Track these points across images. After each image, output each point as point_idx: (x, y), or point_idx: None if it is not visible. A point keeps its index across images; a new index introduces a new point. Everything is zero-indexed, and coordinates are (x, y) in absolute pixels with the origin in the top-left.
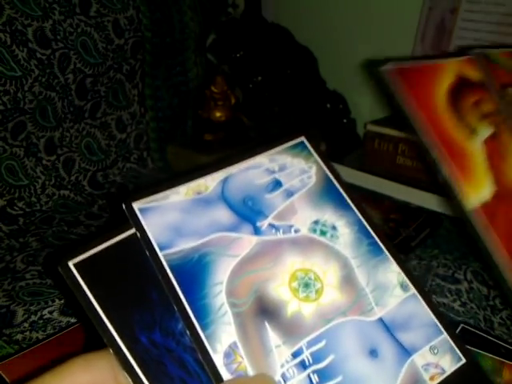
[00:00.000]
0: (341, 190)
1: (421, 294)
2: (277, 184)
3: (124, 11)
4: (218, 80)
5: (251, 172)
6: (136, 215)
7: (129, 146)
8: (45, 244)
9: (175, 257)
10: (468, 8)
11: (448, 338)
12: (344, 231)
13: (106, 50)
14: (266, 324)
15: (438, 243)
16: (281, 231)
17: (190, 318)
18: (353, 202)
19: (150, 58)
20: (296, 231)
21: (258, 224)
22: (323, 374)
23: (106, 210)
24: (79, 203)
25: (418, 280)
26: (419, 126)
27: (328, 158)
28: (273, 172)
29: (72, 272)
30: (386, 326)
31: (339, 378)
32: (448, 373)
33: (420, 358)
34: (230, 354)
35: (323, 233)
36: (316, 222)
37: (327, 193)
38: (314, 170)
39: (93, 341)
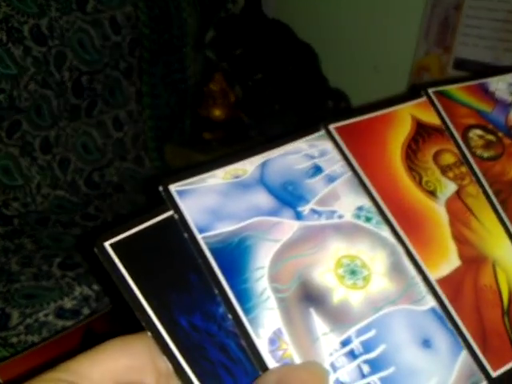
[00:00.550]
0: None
1: None
2: (317, 169)
3: (121, 7)
4: (217, 77)
5: (290, 157)
6: (173, 197)
7: (126, 145)
8: (40, 245)
9: (214, 240)
10: (472, 5)
11: None
12: None
13: (103, 47)
14: (312, 311)
15: None
16: (323, 217)
17: (231, 301)
18: (370, 197)
19: (147, 55)
20: (339, 217)
21: (300, 209)
22: (374, 364)
23: (102, 210)
24: (75, 204)
25: None
26: (371, 195)
27: None
28: (312, 157)
29: (108, 253)
30: (439, 316)
31: (391, 369)
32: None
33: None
34: (274, 341)
35: (368, 219)
36: (360, 208)
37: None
38: None
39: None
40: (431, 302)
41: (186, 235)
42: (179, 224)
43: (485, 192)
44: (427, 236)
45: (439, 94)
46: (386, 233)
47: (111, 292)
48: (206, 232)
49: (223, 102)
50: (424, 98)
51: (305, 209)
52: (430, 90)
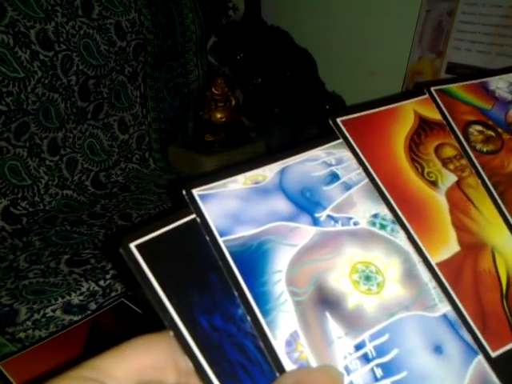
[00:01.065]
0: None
1: None
2: (334, 177)
3: (126, 14)
4: (218, 82)
5: (308, 164)
6: (196, 201)
7: (131, 147)
8: (48, 243)
9: (235, 243)
10: (465, 10)
11: None
12: None
13: (109, 52)
14: (327, 314)
15: None
16: (340, 223)
17: (250, 303)
18: (376, 187)
19: (151, 60)
20: (355, 224)
21: (317, 215)
22: (387, 369)
23: (108, 209)
24: (82, 203)
25: None
26: (375, 183)
27: None
28: (330, 165)
29: (133, 253)
30: (451, 323)
31: (404, 373)
32: None
33: None
34: (291, 343)
35: (383, 226)
36: (375, 216)
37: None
38: None
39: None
40: (443, 309)
41: (207, 238)
42: (201, 227)
43: (484, 183)
44: (428, 222)
45: (441, 91)
46: (400, 240)
47: (135, 290)
48: (226, 236)
49: (224, 105)
50: (426, 96)
51: (322, 215)
52: (433, 88)
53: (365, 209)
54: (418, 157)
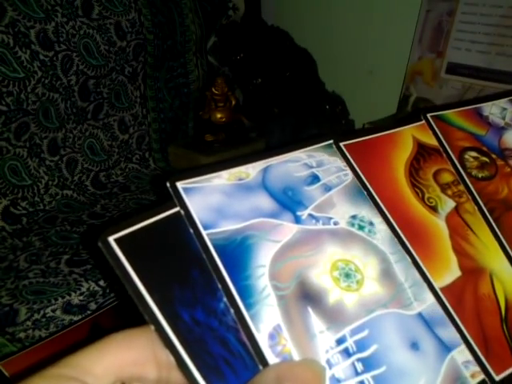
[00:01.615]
0: (368, 198)
1: None
2: (315, 178)
3: (126, 14)
4: (218, 82)
5: (290, 165)
6: (180, 193)
7: (131, 147)
8: (48, 243)
9: (219, 237)
10: (465, 10)
11: None
12: (381, 228)
13: (109, 52)
14: (309, 309)
15: None
16: (320, 222)
17: (234, 296)
18: (379, 210)
19: (151, 60)
20: (335, 223)
21: (299, 213)
22: (367, 363)
23: (108, 209)
24: (82, 203)
25: None
26: (378, 208)
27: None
28: (311, 167)
29: (112, 247)
30: (425, 321)
31: (383, 368)
32: None
33: (459, 355)
34: (274, 336)
35: (361, 227)
36: (354, 217)
37: (363, 191)
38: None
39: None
40: (418, 308)
41: (191, 231)
42: (185, 219)
43: (480, 210)
44: (431, 247)
45: (437, 118)
46: (377, 241)
47: (116, 286)
48: (210, 229)
49: (224, 105)
50: (423, 121)
51: (303, 213)
52: (429, 115)
53: (344, 210)
54: (418, 182)
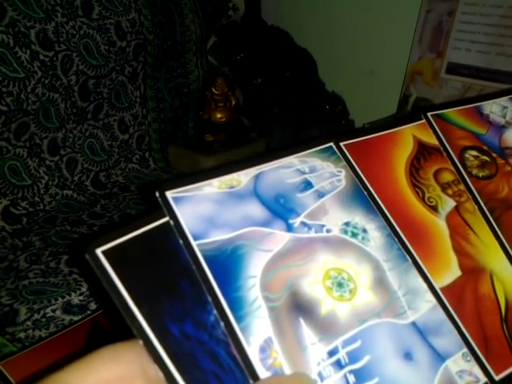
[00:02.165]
0: (368, 197)
1: None
2: (308, 184)
3: (126, 14)
4: (218, 82)
5: (282, 171)
6: (169, 203)
7: (131, 147)
8: (48, 243)
9: (209, 247)
10: (465, 10)
11: None
12: (374, 235)
13: (109, 52)
14: (301, 320)
15: None
16: (313, 230)
17: (224, 309)
18: (379, 210)
19: (151, 60)
20: (328, 231)
21: (291, 221)
22: (360, 375)
23: (108, 209)
24: (82, 203)
25: None
26: (378, 208)
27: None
28: (304, 173)
29: (100, 260)
30: (419, 330)
31: (375, 380)
32: (482, 382)
33: (453, 364)
34: (265, 349)
35: (354, 235)
36: (347, 224)
37: (357, 197)
38: (343, 174)
39: (94, 339)
40: (412, 317)
41: (181, 242)
42: (175, 230)
43: (480, 209)
44: (431, 247)
45: (437, 117)
46: (370, 249)
47: (102, 297)
48: (200, 239)
49: (224, 105)
50: (423, 120)
51: (295, 221)
52: (429, 114)
53: (337, 216)
54: (419, 182)
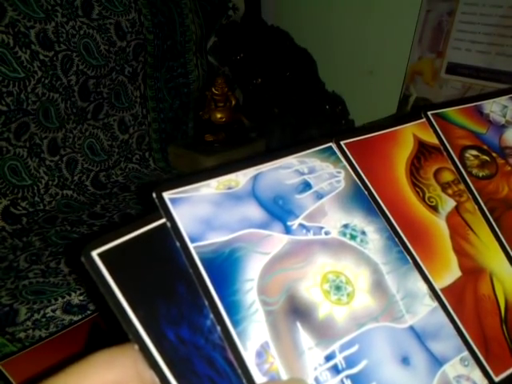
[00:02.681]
0: (369, 198)
1: None
2: (306, 185)
3: (126, 14)
4: (218, 82)
5: (281, 172)
6: (166, 205)
7: (131, 147)
8: (48, 243)
9: (206, 250)
10: (465, 10)
11: None
12: (373, 237)
13: (109, 52)
14: (298, 324)
15: None
16: (311, 232)
17: (220, 313)
18: (379, 209)
19: (151, 60)
20: (326, 233)
21: (289, 223)
22: (357, 380)
23: (108, 209)
24: (82, 203)
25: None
26: (378, 208)
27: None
28: (302, 174)
29: (95, 262)
30: (417, 335)
31: None
32: None
33: (451, 369)
34: (261, 354)
35: (353, 237)
36: (346, 226)
37: (356, 198)
38: (342, 175)
39: (94, 339)
40: (410, 321)
41: (177, 244)
42: (171, 232)
43: (481, 209)
44: (431, 247)
45: (437, 116)
46: (369, 251)
47: (97, 301)
48: (197, 242)
49: (224, 105)
50: (424, 119)
51: (294, 223)
52: (429, 113)
53: (336, 218)
54: (419, 181)
